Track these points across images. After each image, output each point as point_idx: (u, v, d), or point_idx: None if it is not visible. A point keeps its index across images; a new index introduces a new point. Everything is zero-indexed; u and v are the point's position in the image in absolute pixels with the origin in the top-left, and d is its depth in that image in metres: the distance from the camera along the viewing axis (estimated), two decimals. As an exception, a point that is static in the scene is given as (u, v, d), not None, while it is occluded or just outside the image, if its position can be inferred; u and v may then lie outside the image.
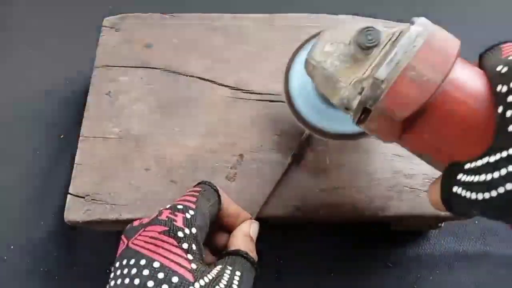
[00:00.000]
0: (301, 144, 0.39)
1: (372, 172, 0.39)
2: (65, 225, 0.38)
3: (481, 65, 0.27)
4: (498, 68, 0.24)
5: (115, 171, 0.39)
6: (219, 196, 0.31)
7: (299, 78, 0.36)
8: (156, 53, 0.45)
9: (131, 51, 0.45)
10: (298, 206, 0.38)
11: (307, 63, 0.30)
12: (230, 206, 0.32)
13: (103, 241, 0.44)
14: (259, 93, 0.43)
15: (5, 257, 0.44)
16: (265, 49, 0.45)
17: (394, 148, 0.40)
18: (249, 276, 0.28)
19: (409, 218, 0.39)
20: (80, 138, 0.41)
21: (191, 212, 0.28)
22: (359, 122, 0.27)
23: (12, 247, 0.44)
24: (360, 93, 0.26)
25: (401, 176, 0.39)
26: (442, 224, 0.43)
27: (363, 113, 0.27)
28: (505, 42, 0.26)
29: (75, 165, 0.39)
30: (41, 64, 0.56)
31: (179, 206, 0.28)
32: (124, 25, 0.47)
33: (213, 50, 0.45)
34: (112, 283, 0.25)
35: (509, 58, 0.24)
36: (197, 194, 0.30)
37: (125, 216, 0.37)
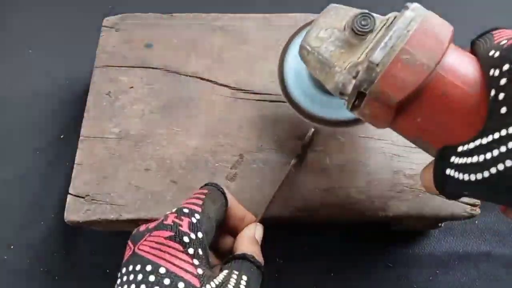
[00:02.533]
0: (304, 145, 0.39)
1: (372, 172, 0.39)
2: (65, 225, 0.38)
3: (473, 52, 0.28)
4: (491, 53, 0.25)
5: (115, 171, 0.39)
6: (225, 198, 0.31)
7: (293, 65, 0.36)
8: (156, 53, 0.45)
9: (131, 51, 0.45)
10: (299, 206, 0.38)
11: (301, 48, 0.30)
12: (236, 208, 0.32)
13: (103, 241, 0.44)
14: (259, 93, 0.43)
15: (5, 257, 0.44)
16: (265, 49, 0.45)
17: (394, 148, 0.40)
18: (255, 280, 0.27)
19: (409, 218, 0.39)
20: (80, 138, 0.41)
21: (197, 216, 0.27)
22: (353, 108, 0.28)
23: (12, 247, 0.45)
24: (354, 77, 0.27)
25: (401, 176, 0.39)
26: (442, 224, 0.43)
27: (357, 98, 0.27)
28: (496, 28, 0.27)
29: (75, 165, 0.39)
30: (41, 64, 0.56)
31: (185, 210, 0.27)
32: (124, 25, 0.47)
33: (213, 50, 0.45)
34: None
35: (502, 43, 0.25)
36: (203, 197, 0.29)
37: (125, 216, 0.37)
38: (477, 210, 0.38)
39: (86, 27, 0.56)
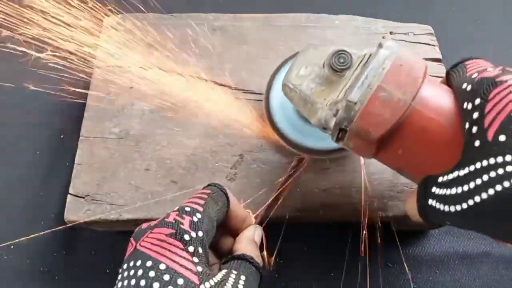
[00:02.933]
0: None
1: (372, 172, 0.39)
2: (65, 225, 0.38)
3: (448, 82, 0.29)
4: (464, 86, 0.25)
5: (115, 171, 0.39)
6: (228, 199, 0.31)
7: (279, 98, 0.38)
8: (156, 53, 0.45)
9: (131, 51, 0.45)
10: (299, 206, 0.38)
11: (284, 87, 0.32)
12: (237, 210, 0.32)
13: (103, 241, 0.44)
14: (259, 93, 0.43)
15: (5, 257, 0.44)
16: (265, 49, 0.45)
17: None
18: (254, 280, 0.27)
19: (409, 218, 0.39)
20: (80, 138, 0.41)
21: (198, 215, 0.28)
22: (337, 140, 0.28)
23: (12, 247, 0.44)
24: (335, 115, 0.27)
25: (401, 176, 0.39)
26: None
27: (340, 132, 0.28)
28: (469, 59, 0.28)
29: (75, 165, 0.39)
30: (41, 64, 0.56)
31: (187, 209, 0.28)
32: (124, 25, 0.47)
33: (213, 50, 0.45)
34: (119, 284, 0.25)
35: (473, 76, 0.25)
36: (205, 196, 0.29)
37: (125, 216, 0.37)
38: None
39: (86, 27, 0.56)
